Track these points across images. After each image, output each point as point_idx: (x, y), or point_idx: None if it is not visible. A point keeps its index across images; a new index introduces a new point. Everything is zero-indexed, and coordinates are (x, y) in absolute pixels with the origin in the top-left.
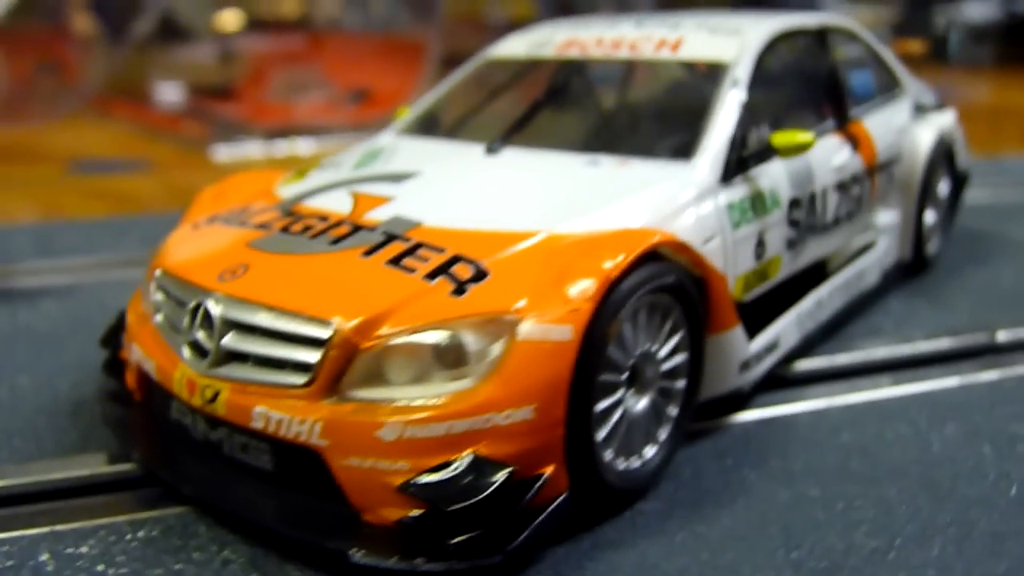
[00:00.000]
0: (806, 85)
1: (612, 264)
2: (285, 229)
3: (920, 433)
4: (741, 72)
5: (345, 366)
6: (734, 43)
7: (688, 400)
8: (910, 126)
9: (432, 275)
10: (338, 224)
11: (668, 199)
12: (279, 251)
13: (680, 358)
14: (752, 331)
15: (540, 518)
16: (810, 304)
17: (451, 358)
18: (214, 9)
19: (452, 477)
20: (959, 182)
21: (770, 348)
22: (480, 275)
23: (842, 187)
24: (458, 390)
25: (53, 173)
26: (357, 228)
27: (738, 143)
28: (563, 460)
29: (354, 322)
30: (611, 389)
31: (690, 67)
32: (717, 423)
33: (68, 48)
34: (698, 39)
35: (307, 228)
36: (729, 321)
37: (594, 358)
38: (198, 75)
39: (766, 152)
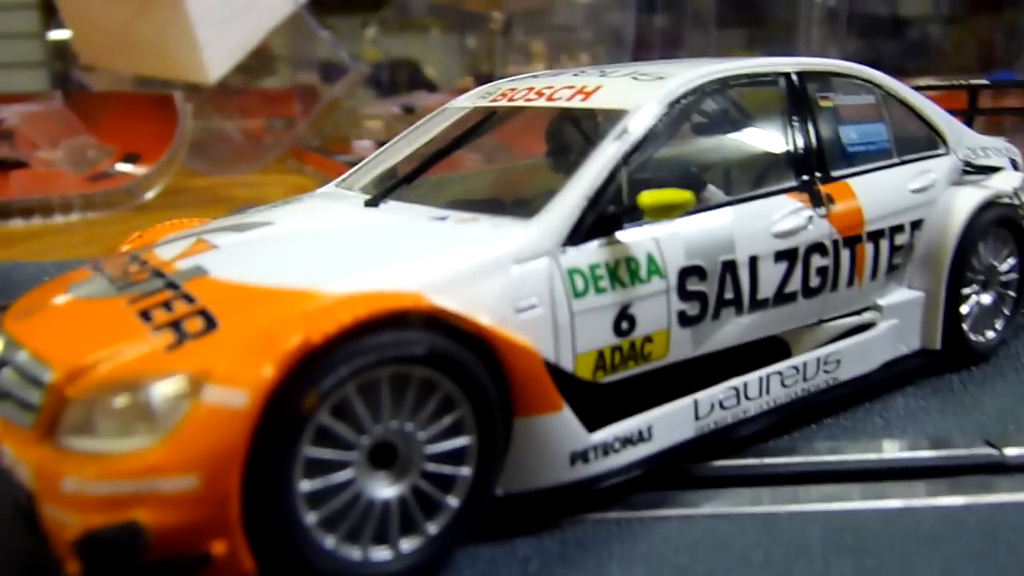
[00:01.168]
0: (759, 137)
1: (315, 330)
2: (110, 274)
3: (798, 560)
4: (635, 123)
5: (58, 412)
6: (646, 91)
7: (477, 491)
8: (945, 189)
9: (164, 327)
10: (142, 270)
11: (472, 261)
12: (80, 295)
13: (461, 441)
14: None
15: None
16: (722, 392)
17: (138, 414)
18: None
19: (106, 540)
20: None
21: (631, 440)
22: (205, 332)
23: (789, 256)
24: (135, 449)
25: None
26: (154, 275)
27: (602, 201)
28: (242, 539)
29: (66, 369)
30: (334, 467)
31: (594, 117)
32: (549, 521)
33: (295, 105)
34: (616, 87)
35: (125, 274)
36: (548, 403)
37: (286, 430)
38: (384, 128)
39: None
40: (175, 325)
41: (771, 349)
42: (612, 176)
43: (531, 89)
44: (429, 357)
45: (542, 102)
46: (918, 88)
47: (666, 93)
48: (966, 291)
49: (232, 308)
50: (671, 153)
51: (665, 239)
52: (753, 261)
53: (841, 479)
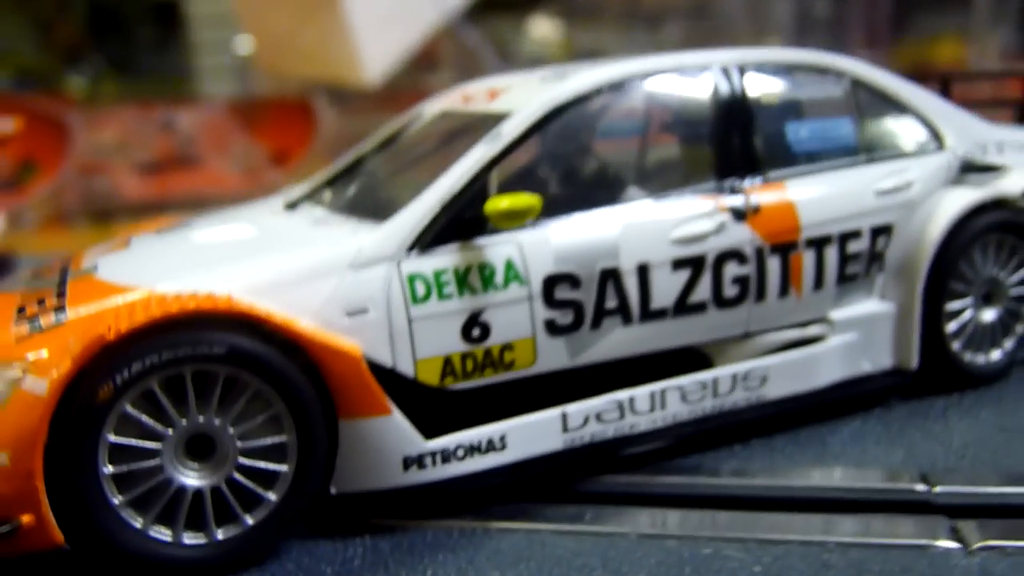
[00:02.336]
0: (679, 137)
1: (111, 328)
2: (41, 270)
3: None
4: (510, 126)
5: None
6: (536, 93)
7: (297, 487)
8: (935, 190)
9: (27, 320)
10: (56, 267)
11: (303, 264)
12: (3, 289)
13: (278, 439)
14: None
15: (14, 559)
16: (601, 404)
17: None
18: None
19: None
20: None
21: (478, 449)
22: (52, 326)
23: (693, 264)
24: None
25: None
26: (60, 272)
27: (458, 206)
28: (48, 512)
29: None
30: (141, 454)
31: (489, 120)
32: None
33: None
34: (520, 89)
35: (48, 270)
36: (373, 406)
37: (83, 417)
38: None
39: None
40: (34, 319)
41: (696, 362)
42: (474, 181)
43: (471, 91)
44: (230, 356)
45: (461, 106)
46: (967, 75)
47: (551, 97)
48: (955, 305)
49: (83, 304)
50: (582, 155)
51: (531, 245)
52: (643, 269)
53: (733, 506)
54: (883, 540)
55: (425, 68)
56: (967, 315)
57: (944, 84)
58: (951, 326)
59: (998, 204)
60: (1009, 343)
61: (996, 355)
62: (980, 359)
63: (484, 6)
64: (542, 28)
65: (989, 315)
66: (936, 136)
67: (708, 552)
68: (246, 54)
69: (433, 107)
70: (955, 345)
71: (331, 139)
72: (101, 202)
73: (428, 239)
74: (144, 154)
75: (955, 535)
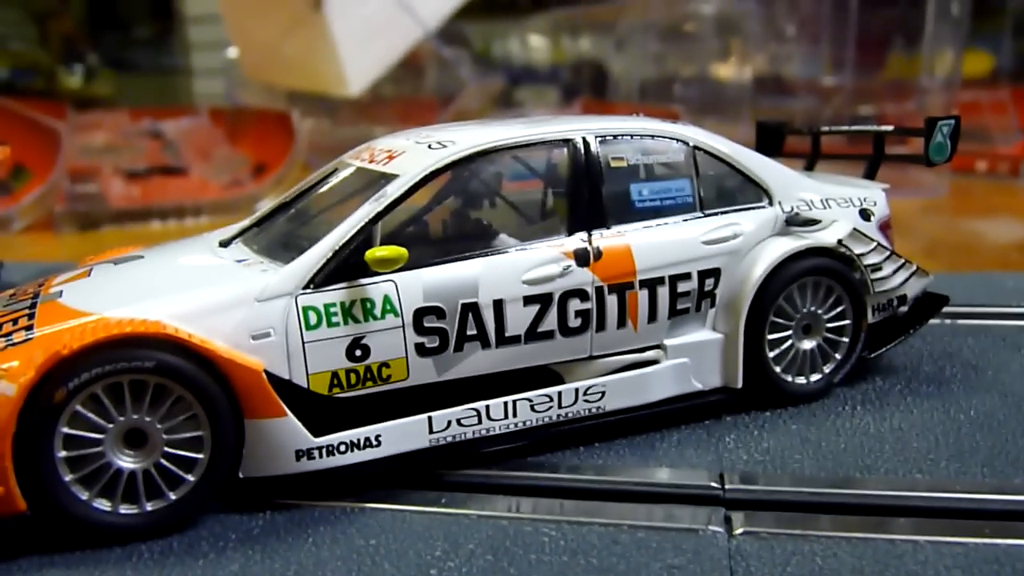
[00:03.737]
0: (539, 195)
1: (66, 345)
2: (14, 293)
3: (451, 555)
4: (393, 187)
5: None
6: (420, 159)
7: (211, 471)
8: (760, 239)
9: (2, 335)
10: (29, 292)
11: (220, 297)
12: None
13: (196, 433)
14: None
15: None
16: (460, 412)
17: None
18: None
19: None
20: (861, 307)
21: (357, 445)
22: (22, 342)
23: (542, 300)
24: None
25: None
26: (33, 296)
27: (346, 252)
28: (14, 485)
29: None
30: (88, 443)
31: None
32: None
33: (437, 114)
34: (411, 153)
35: (22, 293)
36: (271, 410)
37: (43, 414)
38: None
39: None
40: (8, 336)
41: (549, 378)
42: (360, 232)
43: (375, 150)
44: (158, 369)
45: (366, 163)
46: (820, 133)
47: (431, 163)
48: (775, 336)
49: (47, 325)
50: (459, 208)
51: (404, 284)
52: (499, 304)
53: (566, 496)
54: (666, 524)
55: (408, 78)
56: (787, 344)
57: (814, 139)
58: (773, 353)
59: (816, 252)
60: (827, 368)
61: (814, 378)
62: (800, 380)
63: (476, 12)
64: (533, 38)
65: (808, 344)
66: (766, 193)
67: (529, 530)
68: (233, 59)
69: (348, 161)
70: (777, 368)
71: (314, 148)
72: (88, 208)
73: (320, 279)
74: (131, 160)
75: (726, 523)
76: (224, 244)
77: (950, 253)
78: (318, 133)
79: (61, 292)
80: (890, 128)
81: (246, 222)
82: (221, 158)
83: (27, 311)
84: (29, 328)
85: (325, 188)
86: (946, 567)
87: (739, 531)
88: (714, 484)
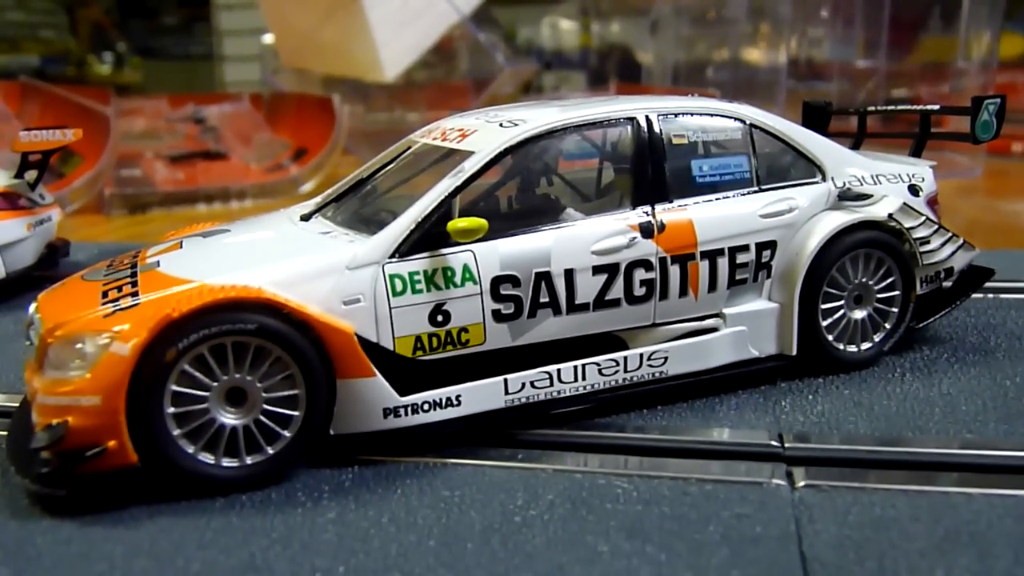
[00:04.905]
0: (606, 170)
1: (176, 309)
2: (113, 264)
3: (531, 504)
4: (470, 163)
5: (43, 352)
6: (495, 137)
7: (306, 427)
8: (813, 213)
9: (110, 302)
10: (127, 263)
11: (313, 266)
12: (83, 278)
13: (292, 392)
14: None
15: (102, 474)
16: (534, 374)
17: (76, 355)
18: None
19: (43, 432)
20: (910, 278)
21: (439, 404)
22: (130, 307)
23: (609, 270)
24: (73, 377)
25: None
26: (130, 266)
27: (429, 223)
28: (127, 439)
29: (48, 325)
30: (194, 400)
31: (459, 155)
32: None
33: (469, 98)
34: (483, 131)
35: (119, 264)
36: (362, 370)
37: (157, 372)
38: None
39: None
40: (116, 301)
41: (614, 344)
42: (440, 205)
43: (447, 129)
44: (259, 331)
45: (440, 142)
46: (867, 112)
47: (506, 140)
48: (828, 305)
49: (152, 291)
50: (529, 183)
51: (482, 253)
52: (570, 273)
53: (633, 453)
54: (731, 478)
55: (441, 63)
56: (839, 313)
57: (860, 118)
58: (826, 322)
59: (867, 225)
60: (877, 337)
61: (865, 346)
62: (851, 349)
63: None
64: (562, 23)
65: (859, 314)
66: (819, 169)
67: (602, 483)
68: (269, 45)
69: (418, 139)
70: (829, 337)
71: (349, 133)
72: (135, 191)
73: (405, 249)
74: (172, 146)
75: (788, 477)
76: (305, 218)
77: (988, 233)
78: (353, 118)
79: (159, 262)
80: (936, 107)
81: (324, 197)
82: (262, 143)
83: (129, 280)
84: (135, 295)
85: (398, 165)
86: (998, 516)
87: (801, 484)
88: (774, 443)
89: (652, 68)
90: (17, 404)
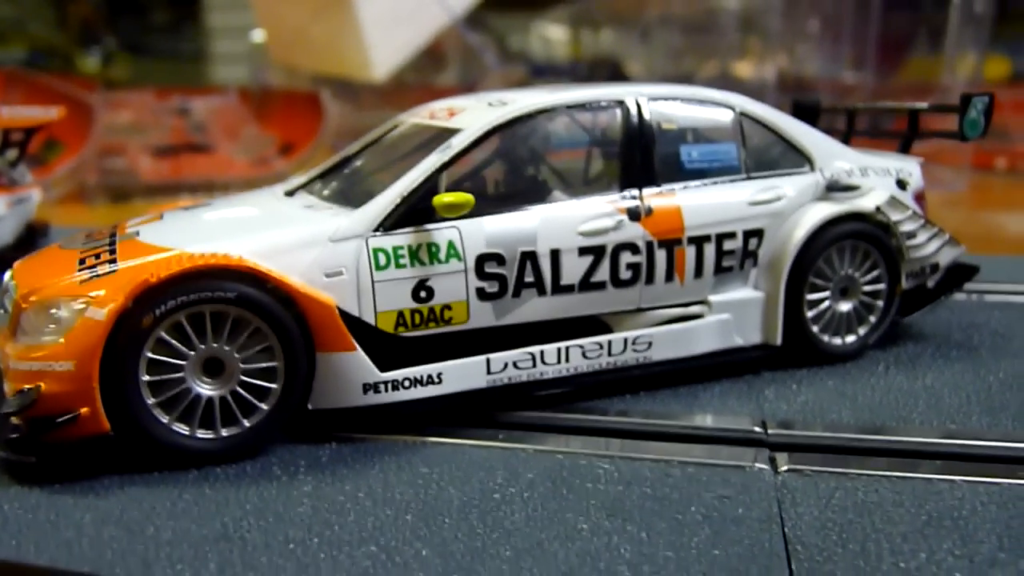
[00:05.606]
0: (594, 153)
1: (154, 275)
2: (91, 235)
3: (510, 484)
4: (458, 140)
5: (17, 318)
6: (483, 115)
7: (284, 401)
8: (801, 203)
9: (86, 269)
10: (106, 233)
11: (296, 237)
12: (60, 246)
13: (271, 364)
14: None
15: (73, 442)
16: (517, 355)
17: (50, 320)
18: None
19: (13, 397)
20: (896, 272)
21: (420, 382)
22: (107, 273)
23: (595, 252)
24: (46, 343)
25: None
26: (109, 236)
27: (414, 198)
28: (100, 406)
29: (23, 291)
30: (170, 369)
31: (445, 133)
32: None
33: None
34: (472, 110)
35: (97, 234)
36: (342, 344)
37: (133, 338)
38: None
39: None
40: (92, 268)
41: (598, 327)
42: (427, 180)
43: (436, 109)
44: (238, 300)
45: (428, 120)
46: (855, 110)
47: (494, 118)
48: (813, 296)
49: (130, 258)
50: (516, 163)
51: (468, 230)
52: (555, 253)
53: (608, 435)
54: (714, 461)
55: (430, 65)
56: (825, 305)
57: (849, 116)
58: (811, 313)
59: (855, 217)
60: (862, 330)
61: (850, 339)
62: (836, 341)
63: (493, 5)
64: (551, 31)
65: (845, 306)
66: (808, 160)
67: (583, 463)
68: (259, 43)
69: (407, 119)
70: (814, 328)
71: (338, 131)
72: (118, 181)
73: (390, 223)
74: (157, 138)
75: (770, 462)
76: (290, 194)
77: (972, 242)
78: (342, 118)
79: (138, 232)
80: (924, 105)
81: (309, 175)
82: (248, 137)
83: (107, 248)
84: (112, 262)
85: (386, 142)
86: (982, 503)
87: (784, 468)
88: (757, 428)
89: (636, 79)
90: None
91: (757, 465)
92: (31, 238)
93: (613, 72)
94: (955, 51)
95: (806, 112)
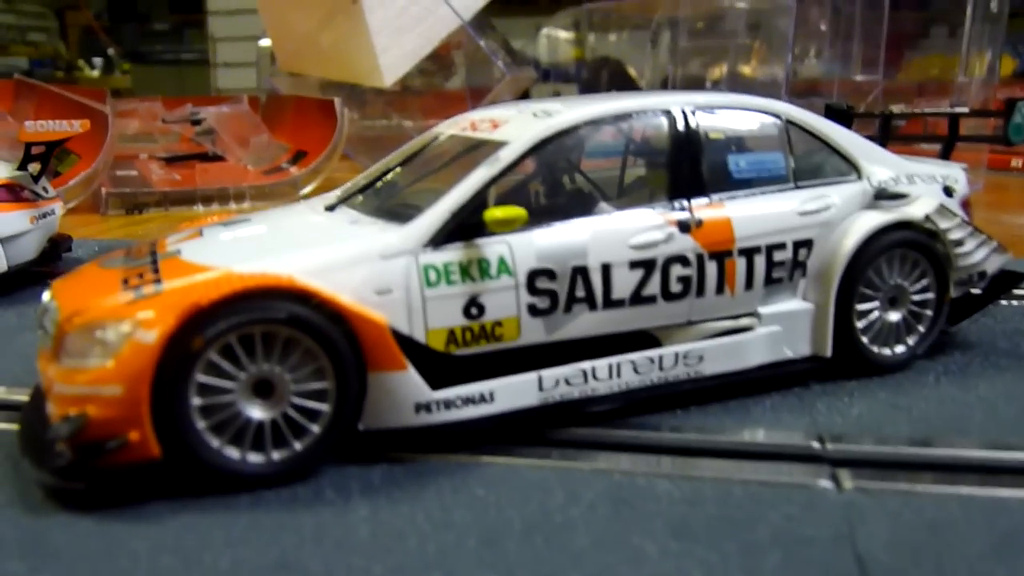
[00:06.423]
0: (642, 163)
1: (204, 296)
2: (131, 252)
3: (569, 505)
4: (505, 152)
5: (60, 340)
6: (529, 127)
7: (335, 422)
8: (850, 212)
9: (131, 289)
10: (146, 250)
11: (345, 254)
12: (101, 266)
13: (322, 385)
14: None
15: (122, 467)
16: (569, 371)
17: (96, 343)
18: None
19: (61, 423)
20: (945, 281)
21: (472, 400)
22: (153, 294)
23: (646, 265)
24: (93, 366)
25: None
26: (150, 254)
27: (464, 213)
28: (150, 431)
29: (66, 313)
30: (220, 391)
31: (490, 145)
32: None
33: (468, 106)
34: (516, 121)
35: (137, 252)
36: (394, 363)
37: (184, 361)
38: None
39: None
40: (137, 288)
41: (647, 342)
42: (477, 195)
43: (477, 120)
44: (289, 320)
45: (470, 132)
46: (891, 116)
47: (540, 130)
48: (864, 306)
49: (175, 278)
50: (561, 175)
51: (518, 245)
52: (607, 267)
53: (669, 454)
54: (776, 479)
55: (437, 70)
56: (875, 315)
57: (884, 121)
58: (861, 323)
59: (903, 226)
60: (911, 339)
61: (899, 349)
62: (885, 351)
63: (496, 9)
64: (559, 34)
65: (894, 316)
66: (855, 168)
67: (643, 483)
68: (266, 50)
69: (445, 131)
70: (864, 339)
71: (347, 140)
72: (132, 191)
73: (440, 238)
74: (166, 147)
75: (833, 479)
76: (330, 208)
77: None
78: (349, 124)
79: (180, 250)
80: (966, 110)
81: (345, 190)
82: (259, 145)
83: (150, 267)
84: (157, 282)
85: (425, 156)
86: None
87: (848, 486)
88: (815, 444)
89: (649, 80)
90: (25, 398)
91: (821, 483)
92: (54, 251)
93: (615, 73)
94: (971, 48)
95: (838, 117)
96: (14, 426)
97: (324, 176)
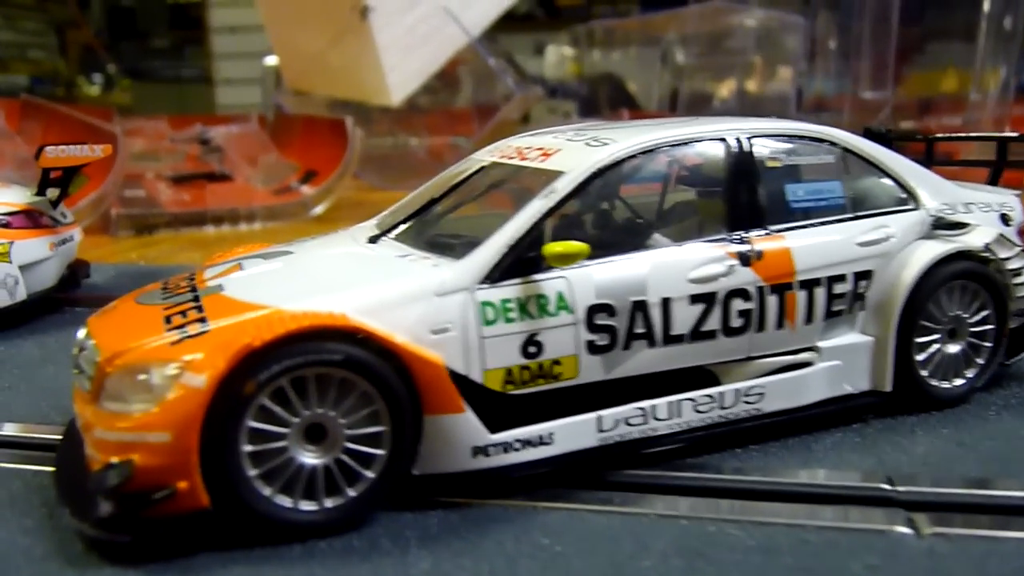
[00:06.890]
0: (698, 194)
1: (257, 337)
2: (167, 287)
3: (639, 555)
4: (562, 183)
5: (101, 383)
6: (585, 156)
7: (391, 468)
8: (908, 242)
9: (175, 328)
10: (185, 285)
11: (399, 291)
12: (139, 302)
13: (377, 429)
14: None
15: (170, 518)
16: (629, 411)
17: (141, 387)
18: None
19: (105, 471)
20: (1004, 311)
21: (531, 443)
22: (198, 334)
23: (706, 299)
24: (138, 411)
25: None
26: (190, 289)
27: (521, 248)
28: (199, 480)
29: (107, 354)
30: (273, 438)
31: (543, 176)
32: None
33: (475, 124)
34: (569, 150)
35: (175, 287)
36: (451, 406)
37: (232, 406)
38: None
39: None
40: (182, 328)
41: (703, 379)
42: (533, 228)
43: (522, 148)
44: (345, 362)
45: (518, 161)
46: (935, 139)
47: (597, 160)
48: (923, 339)
49: (222, 317)
50: (615, 206)
51: (577, 280)
52: (666, 302)
53: (733, 496)
54: (852, 525)
55: (444, 88)
56: (934, 348)
57: (928, 145)
58: (920, 356)
59: (963, 255)
60: (971, 372)
61: (959, 382)
62: (945, 385)
63: (498, 26)
64: (558, 51)
65: (953, 348)
66: (913, 197)
67: (712, 530)
68: (272, 68)
69: (486, 158)
70: (924, 372)
71: (356, 158)
72: (141, 212)
73: (497, 274)
74: (173, 166)
75: (911, 524)
76: (373, 240)
77: None
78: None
79: (221, 286)
80: (1016, 135)
81: (382, 219)
82: (268, 164)
83: (192, 304)
84: (202, 320)
85: (471, 185)
86: None
87: (928, 532)
88: (885, 486)
89: (644, 97)
90: (56, 437)
91: (898, 529)
92: (73, 278)
93: (615, 89)
94: (984, 64)
95: (878, 142)
96: (46, 467)
97: (336, 196)
